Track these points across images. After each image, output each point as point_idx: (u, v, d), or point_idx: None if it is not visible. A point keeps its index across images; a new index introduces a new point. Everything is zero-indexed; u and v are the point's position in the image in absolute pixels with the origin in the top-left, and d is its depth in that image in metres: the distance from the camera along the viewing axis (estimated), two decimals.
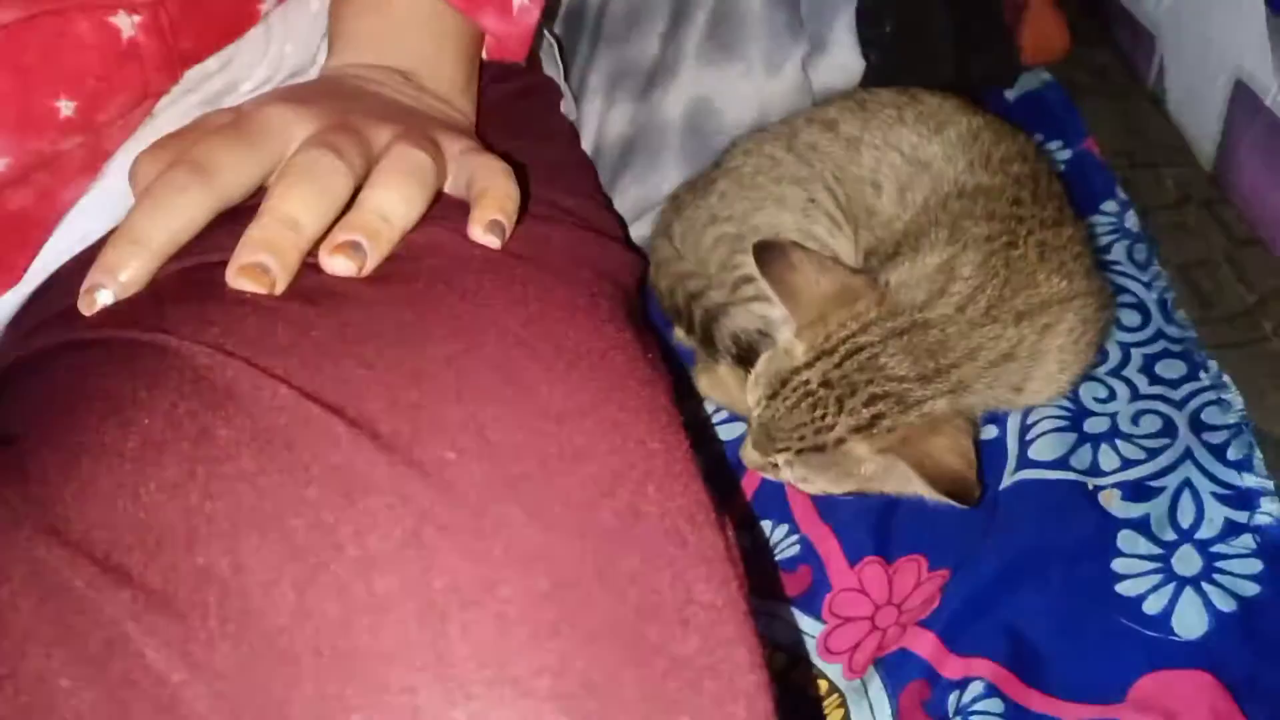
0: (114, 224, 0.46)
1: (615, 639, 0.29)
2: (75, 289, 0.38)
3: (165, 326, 0.35)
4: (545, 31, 0.67)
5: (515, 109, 0.59)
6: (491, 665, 0.28)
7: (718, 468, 0.70)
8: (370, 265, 0.37)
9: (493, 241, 0.40)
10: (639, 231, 0.83)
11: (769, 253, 0.62)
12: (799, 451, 0.60)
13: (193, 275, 0.37)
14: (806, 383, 0.59)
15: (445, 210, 0.41)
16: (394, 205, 0.38)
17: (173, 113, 0.47)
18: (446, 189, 0.43)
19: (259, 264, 0.36)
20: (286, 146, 0.40)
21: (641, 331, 0.43)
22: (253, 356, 0.33)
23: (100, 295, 0.37)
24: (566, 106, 0.68)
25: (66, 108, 0.42)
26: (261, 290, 0.35)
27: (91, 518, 0.30)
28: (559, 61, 0.68)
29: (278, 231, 0.36)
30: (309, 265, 0.37)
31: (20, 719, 0.28)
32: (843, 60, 0.83)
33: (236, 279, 0.36)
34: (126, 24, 0.42)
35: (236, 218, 0.38)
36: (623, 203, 0.81)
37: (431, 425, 0.32)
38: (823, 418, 0.58)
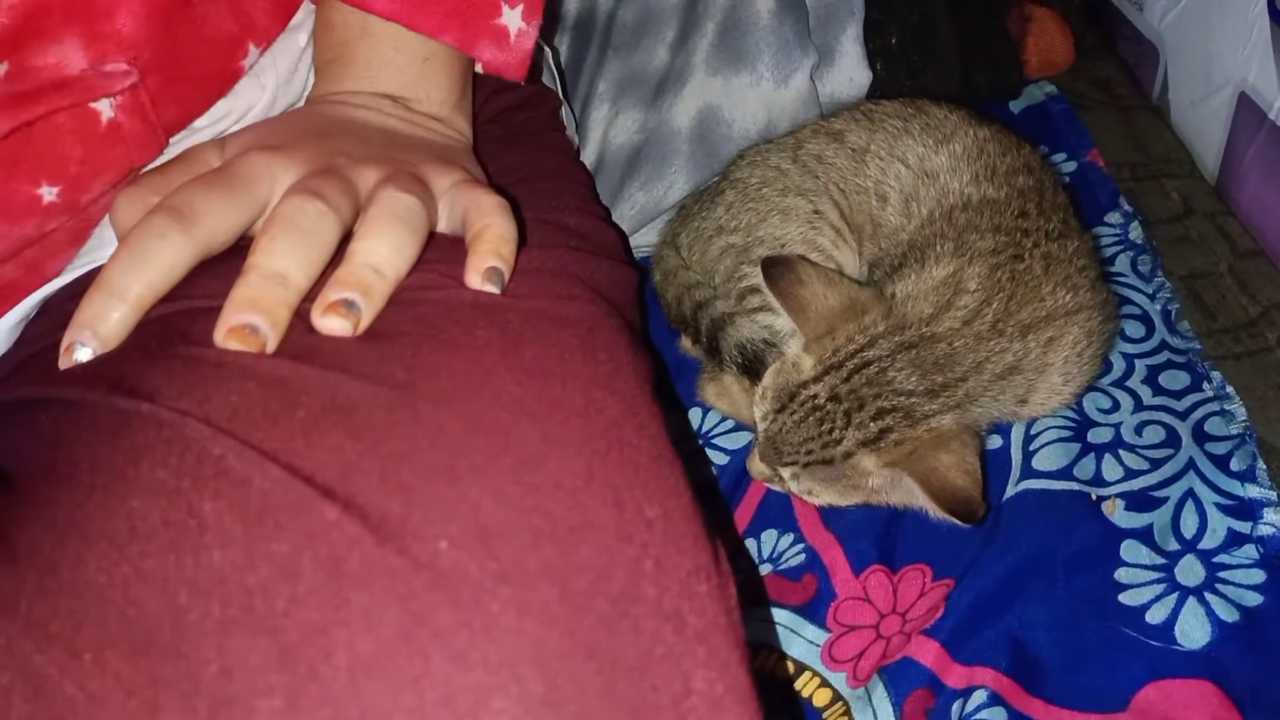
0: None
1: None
2: (62, 326, 0.37)
3: (151, 392, 0.34)
4: (553, 64, 0.67)
5: (513, 121, 0.58)
6: None
7: (718, 478, 0.70)
8: (365, 323, 0.36)
9: (491, 289, 0.39)
10: (645, 239, 0.84)
11: (777, 267, 0.62)
12: (806, 465, 0.60)
13: (178, 325, 0.36)
14: (814, 397, 0.60)
15: (436, 252, 0.40)
16: (385, 256, 0.37)
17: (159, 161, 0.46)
18: (439, 227, 0.42)
19: (248, 325, 0.34)
20: (270, 193, 0.39)
21: (637, 354, 0.42)
22: (241, 430, 0.32)
23: (79, 353, 0.36)
24: (563, 113, 0.68)
25: (49, 194, 0.41)
26: (253, 350, 0.34)
27: (80, 613, 0.29)
28: (554, 69, 0.68)
29: (265, 289, 0.35)
30: (297, 319, 0.36)
31: None
32: (850, 71, 0.83)
33: (226, 340, 0.35)
34: (105, 106, 0.41)
35: (222, 261, 0.38)
36: (629, 210, 0.82)
37: (423, 509, 0.31)
38: (830, 431, 0.59)
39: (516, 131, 0.58)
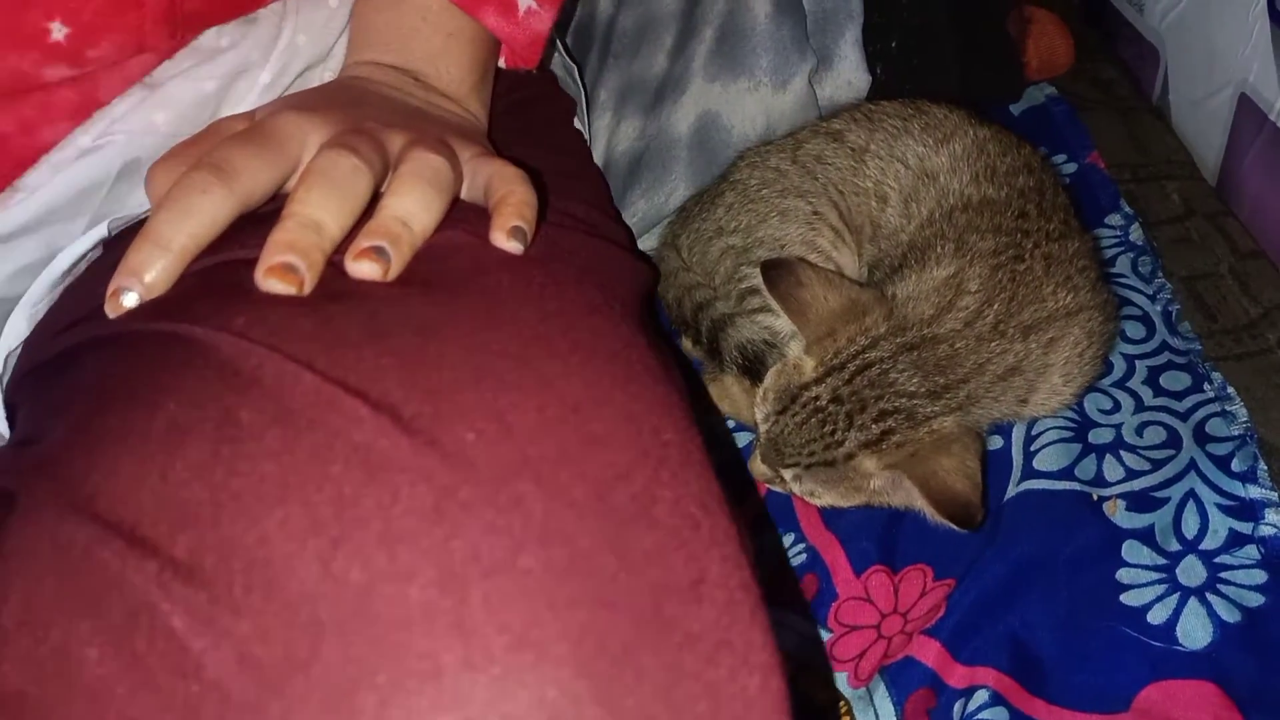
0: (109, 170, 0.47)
1: (632, 611, 0.30)
2: (97, 292, 0.38)
3: (190, 318, 0.35)
4: (564, 54, 0.68)
5: (528, 117, 0.59)
6: (512, 631, 0.29)
7: (732, 471, 0.70)
8: (395, 270, 0.38)
9: (515, 248, 0.40)
10: (647, 244, 0.84)
11: (777, 270, 0.62)
12: (808, 466, 0.60)
13: (217, 272, 0.38)
14: (816, 398, 0.60)
15: (462, 214, 0.42)
16: (414, 210, 0.39)
17: (182, 82, 0.47)
18: (461, 195, 0.44)
19: (286, 264, 0.36)
20: (303, 151, 0.41)
21: (654, 336, 0.43)
22: (277, 344, 0.34)
23: (126, 298, 0.37)
24: (579, 124, 0.68)
25: (58, 31, 0.42)
26: (291, 290, 0.36)
27: (118, 495, 0.31)
28: (580, 83, 0.69)
29: (301, 234, 0.37)
30: (330, 267, 0.38)
31: (46, 688, 0.28)
32: (849, 75, 0.83)
33: (265, 280, 0.36)
34: None
35: (256, 221, 0.39)
36: (632, 218, 0.82)
37: (452, 409, 0.32)
38: (832, 433, 0.59)
39: (532, 127, 0.58)
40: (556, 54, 0.68)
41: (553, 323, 0.37)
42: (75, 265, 0.46)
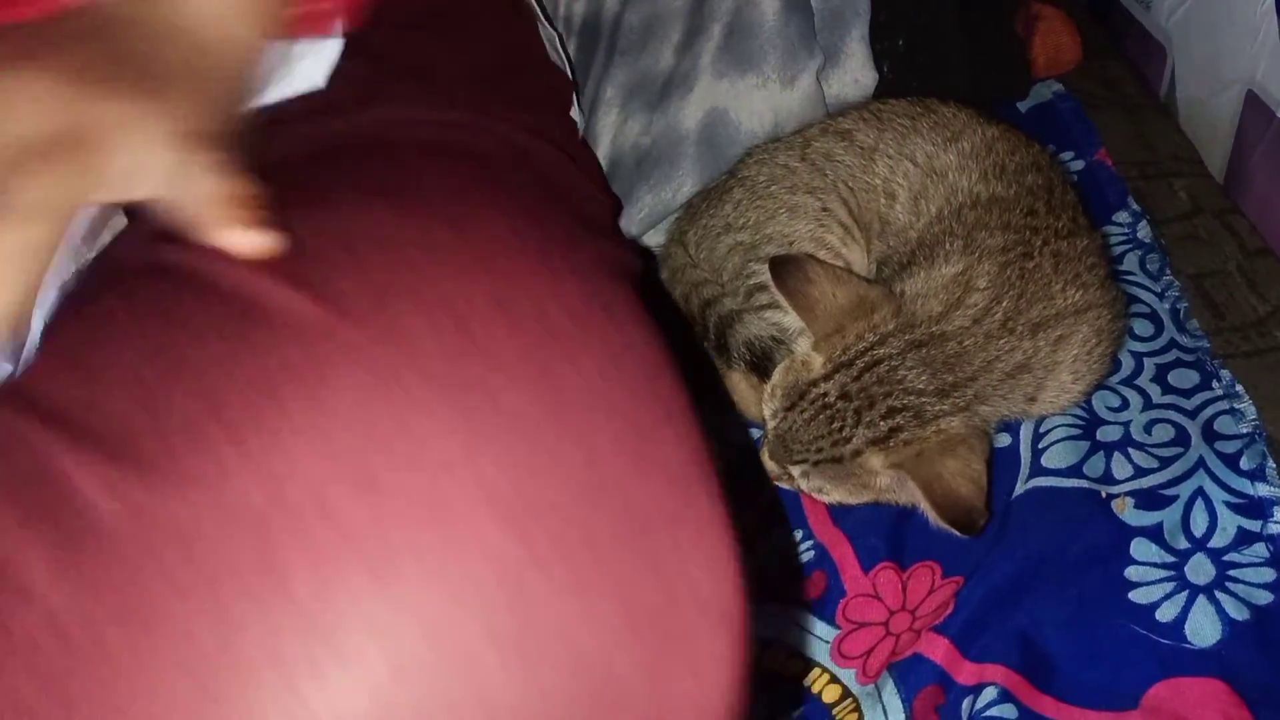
0: None
1: (566, 475, 0.29)
2: (111, 255, 0.38)
3: (170, 243, 0.35)
4: (545, 23, 0.67)
5: (528, 102, 0.58)
6: (424, 491, 0.28)
7: (743, 468, 0.70)
8: None
9: (252, 242, 0.34)
10: (653, 240, 0.84)
11: (785, 267, 0.62)
12: (816, 463, 0.60)
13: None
14: (825, 395, 0.60)
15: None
16: None
17: None
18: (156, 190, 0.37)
19: None
20: None
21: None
22: (234, 259, 0.33)
23: None
24: (574, 114, 0.68)
25: None
26: None
27: (62, 392, 0.31)
28: (563, 55, 0.68)
29: None
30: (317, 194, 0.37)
31: None
32: (856, 73, 0.83)
33: None
34: None
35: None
36: (638, 213, 0.82)
37: (402, 297, 0.32)
38: (840, 430, 0.59)
39: (531, 112, 0.57)
40: (542, 25, 0.66)
41: (527, 237, 0.35)
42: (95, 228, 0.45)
